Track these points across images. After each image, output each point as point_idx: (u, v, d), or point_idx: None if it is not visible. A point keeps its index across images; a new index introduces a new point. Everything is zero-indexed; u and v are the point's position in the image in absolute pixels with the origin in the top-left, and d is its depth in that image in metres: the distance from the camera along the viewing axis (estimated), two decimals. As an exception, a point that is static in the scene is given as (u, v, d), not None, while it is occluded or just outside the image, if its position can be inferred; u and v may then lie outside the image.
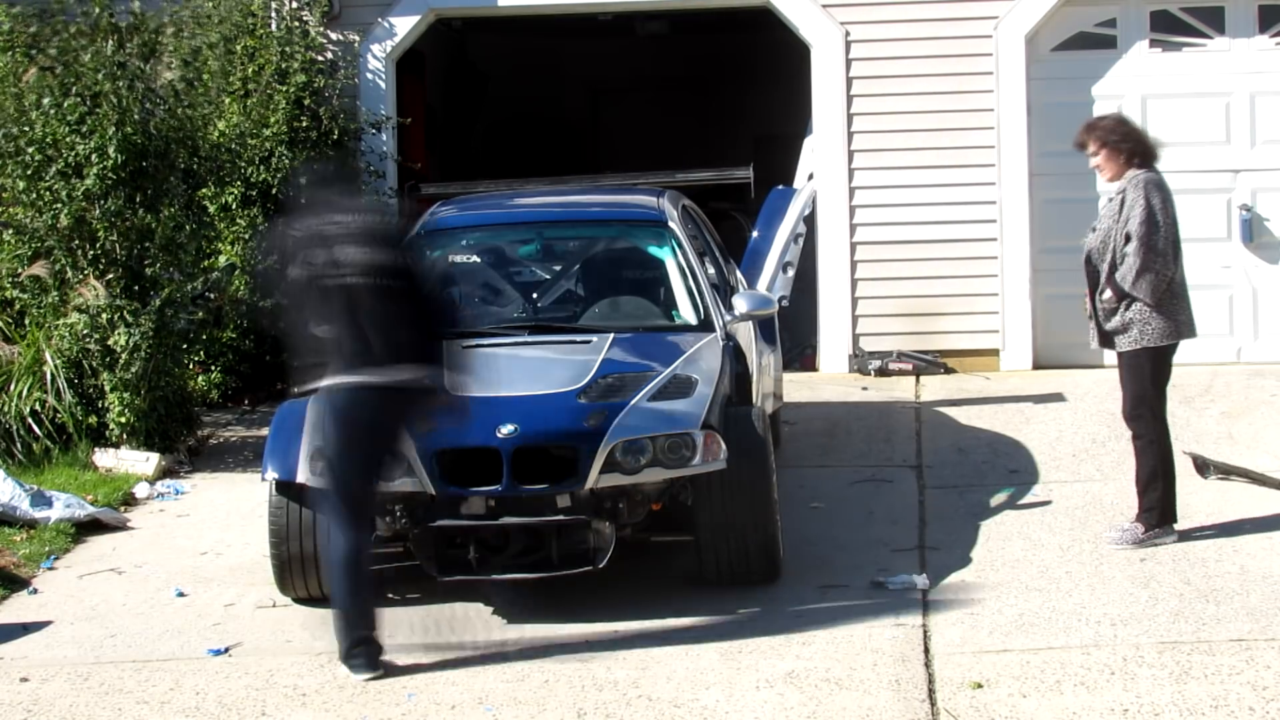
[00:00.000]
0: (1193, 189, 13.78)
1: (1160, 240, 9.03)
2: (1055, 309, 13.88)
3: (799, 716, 7.10)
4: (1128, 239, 9.02)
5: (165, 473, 11.46)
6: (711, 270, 10.41)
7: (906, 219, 13.89)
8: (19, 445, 11.45)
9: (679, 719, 7.15)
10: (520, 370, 9.01)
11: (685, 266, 9.95)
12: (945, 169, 13.86)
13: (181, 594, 9.01)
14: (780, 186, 13.35)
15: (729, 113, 20.09)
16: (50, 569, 9.63)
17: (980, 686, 7.29)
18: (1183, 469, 10.53)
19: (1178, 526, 9.27)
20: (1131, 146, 9.17)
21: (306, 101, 13.50)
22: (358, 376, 7.69)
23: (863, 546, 9.39)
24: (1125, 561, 8.93)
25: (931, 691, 7.28)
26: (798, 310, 13.56)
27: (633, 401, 8.50)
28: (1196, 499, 9.99)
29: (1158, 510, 9.19)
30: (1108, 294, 9.06)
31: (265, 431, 9.08)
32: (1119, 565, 8.88)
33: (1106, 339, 9.16)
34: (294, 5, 13.85)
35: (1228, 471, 10.31)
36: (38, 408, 11.56)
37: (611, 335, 9.36)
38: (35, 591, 9.27)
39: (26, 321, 11.94)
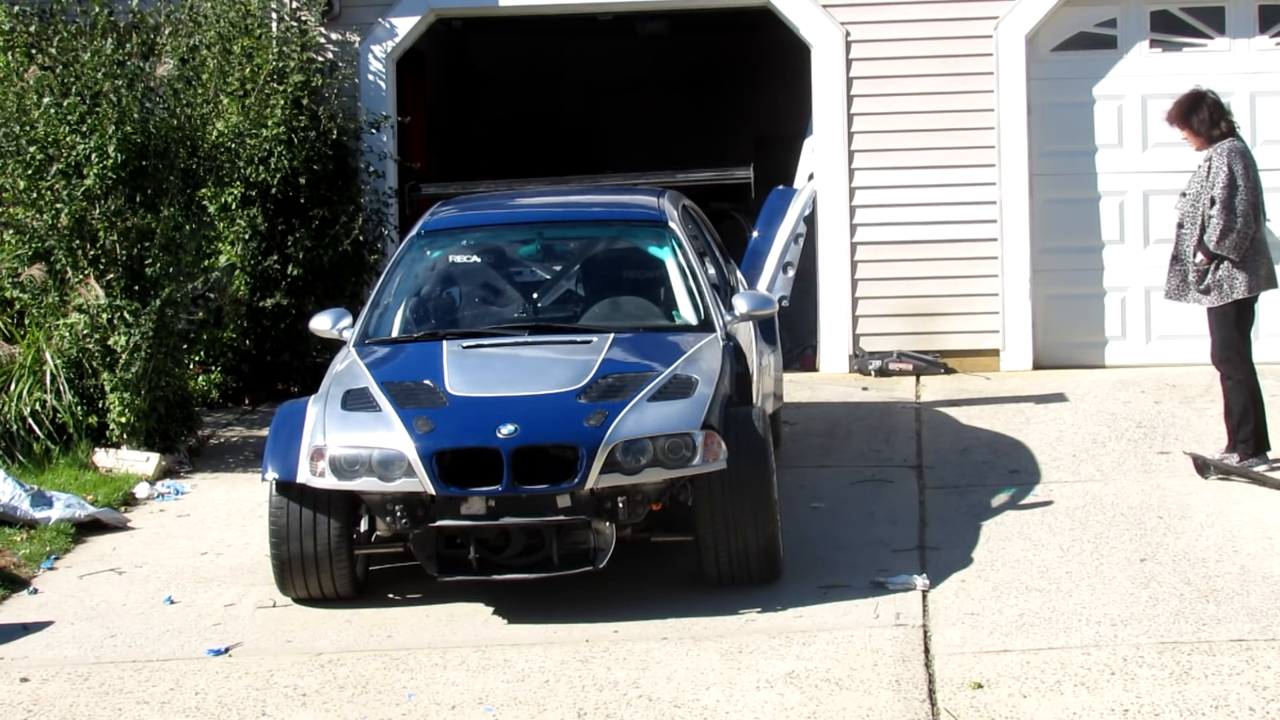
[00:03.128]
0: (1193, 189, 13.79)
1: (1240, 202, 10.08)
2: (1055, 309, 13.89)
3: (799, 716, 7.10)
4: (1212, 202, 10.10)
5: (165, 473, 11.46)
6: (712, 270, 10.40)
7: (907, 219, 13.88)
8: (19, 445, 11.45)
9: (679, 719, 7.16)
10: (520, 370, 9.01)
11: (685, 266, 9.94)
12: (945, 169, 13.85)
13: (172, 601, 8.97)
14: (780, 186, 13.34)
15: (729, 113, 20.09)
16: (50, 569, 9.63)
17: (980, 687, 7.30)
18: (1184, 468, 10.55)
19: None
20: (1213, 119, 10.37)
21: (305, 101, 13.49)
22: None
23: (863, 546, 9.39)
24: (1125, 561, 8.94)
25: (932, 692, 7.29)
26: (798, 310, 13.55)
27: (633, 402, 8.50)
28: (1197, 499, 9.99)
29: (1252, 441, 10.26)
30: (1199, 256, 10.12)
31: (265, 431, 9.08)
32: (1119, 565, 8.88)
33: (1179, 293, 10.30)
34: (293, 5, 13.84)
35: (1228, 472, 10.30)
36: (38, 408, 11.55)
37: (612, 335, 9.36)
38: (35, 591, 9.27)
39: (26, 321, 11.94)
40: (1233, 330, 10.23)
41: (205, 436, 12.37)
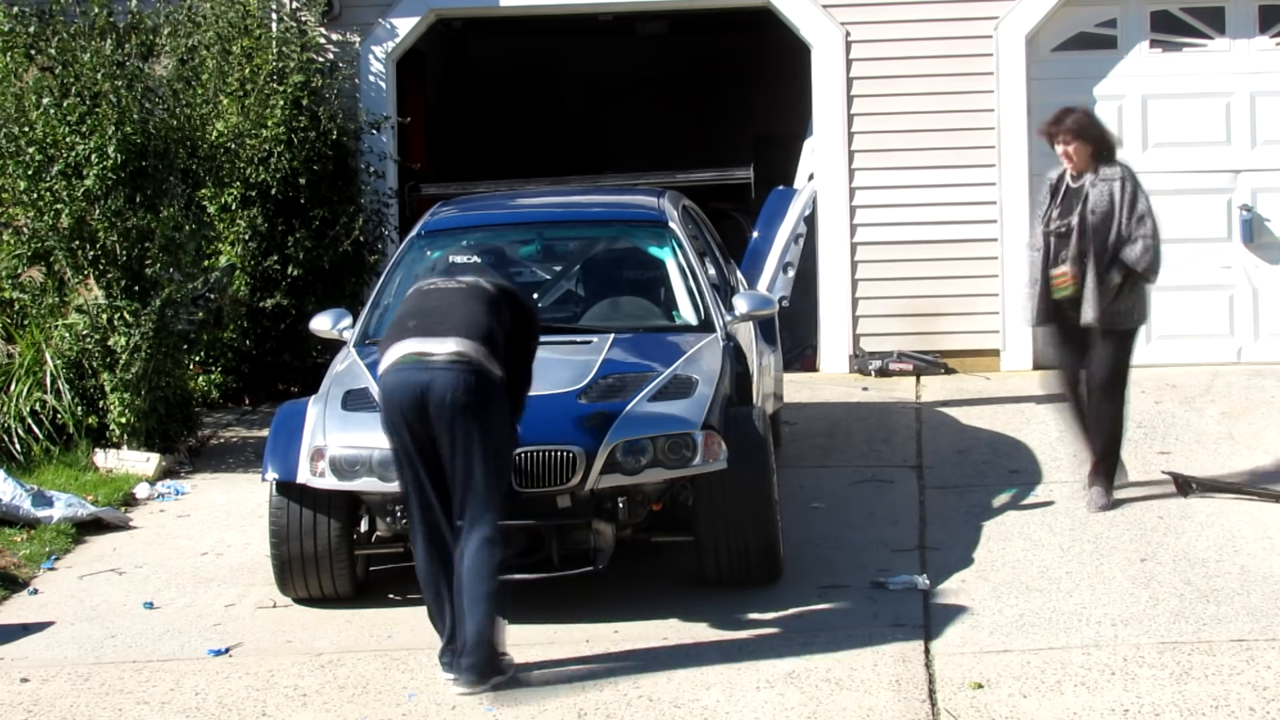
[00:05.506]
0: (1193, 189, 13.80)
1: (1158, 221, 9.67)
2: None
3: (799, 716, 7.10)
4: (1140, 220, 9.58)
5: (166, 473, 11.46)
6: (712, 270, 10.40)
7: (907, 219, 13.88)
8: (19, 445, 11.45)
9: (679, 719, 7.16)
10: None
11: (685, 267, 9.94)
12: (945, 169, 13.85)
13: (153, 605, 8.93)
14: (780, 187, 13.35)
15: (729, 113, 20.09)
16: (51, 569, 9.63)
17: (981, 687, 7.30)
18: (1183, 468, 10.53)
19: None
20: (1105, 138, 9.88)
21: (305, 102, 13.49)
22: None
23: (863, 547, 9.39)
24: (1125, 561, 8.93)
25: (932, 692, 7.29)
26: (798, 310, 13.55)
27: (633, 402, 8.50)
28: (1197, 499, 9.98)
29: (1111, 476, 9.85)
30: (1118, 276, 9.56)
31: (265, 432, 9.08)
32: (1119, 565, 8.88)
33: (1097, 316, 9.51)
34: (293, 6, 13.85)
35: (1212, 489, 10.05)
36: (38, 408, 11.55)
37: (612, 335, 9.36)
38: (36, 592, 9.27)
39: (26, 321, 11.94)
40: (1129, 357, 9.80)
41: (205, 437, 12.37)
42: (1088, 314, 9.59)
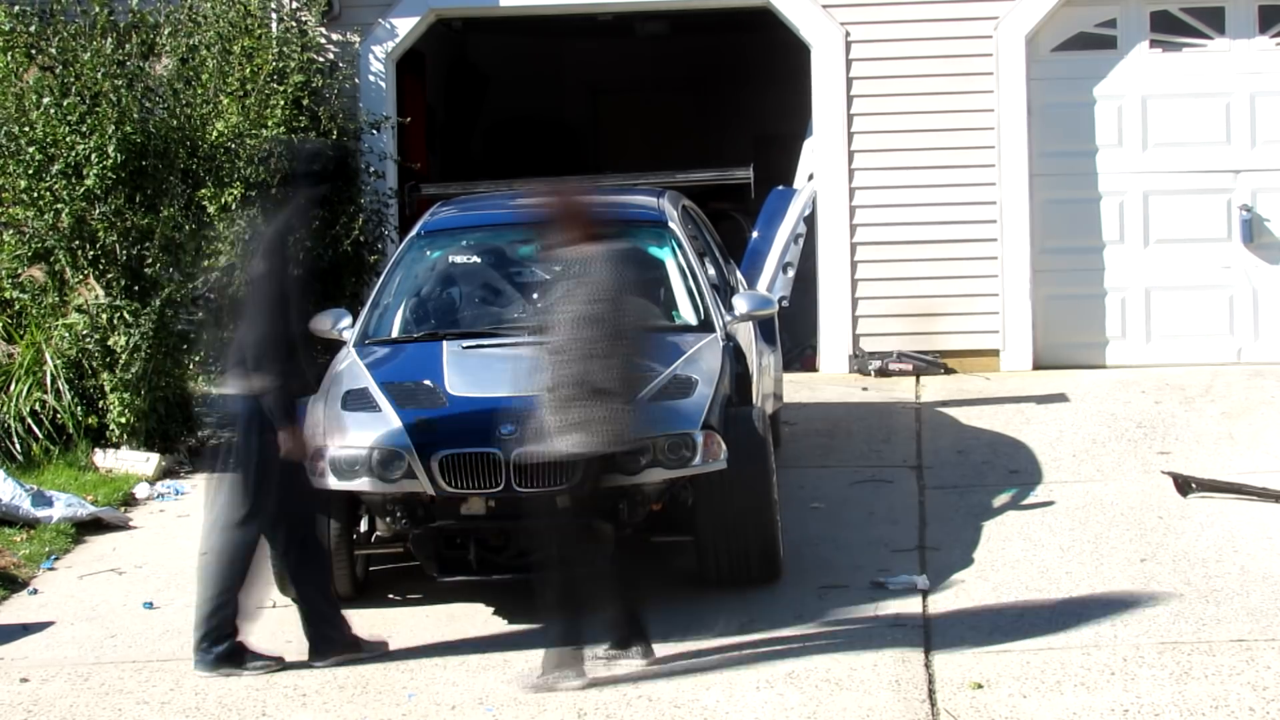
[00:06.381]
0: (1193, 189, 13.80)
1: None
2: (1055, 309, 13.88)
3: (799, 716, 7.10)
4: None
5: (165, 473, 11.46)
6: (711, 270, 10.40)
7: (907, 219, 13.87)
8: (19, 445, 11.45)
9: (679, 719, 7.16)
10: (520, 371, 9.00)
11: (685, 267, 9.94)
12: (945, 169, 13.85)
13: (152, 605, 8.96)
14: (780, 187, 13.35)
15: (729, 113, 20.08)
16: (51, 569, 9.63)
17: (980, 687, 7.30)
18: (1184, 468, 10.53)
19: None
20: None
21: (305, 102, 13.48)
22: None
23: (863, 547, 9.39)
24: (1125, 561, 8.94)
25: (931, 692, 7.29)
26: (798, 310, 13.55)
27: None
28: (1196, 499, 9.98)
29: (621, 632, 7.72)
30: None
31: (265, 432, 9.06)
32: (1119, 566, 8.88)
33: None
34: (293, 6, 13.85)
35: (1212, 489, 10.04)
36: (38, 408, 11.55)
37: (612, 335, 9.34)
38: (35, 592, 9.27)
39: (26, 321, 11.94)
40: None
41: (205, 437, 12.36)
42: None
